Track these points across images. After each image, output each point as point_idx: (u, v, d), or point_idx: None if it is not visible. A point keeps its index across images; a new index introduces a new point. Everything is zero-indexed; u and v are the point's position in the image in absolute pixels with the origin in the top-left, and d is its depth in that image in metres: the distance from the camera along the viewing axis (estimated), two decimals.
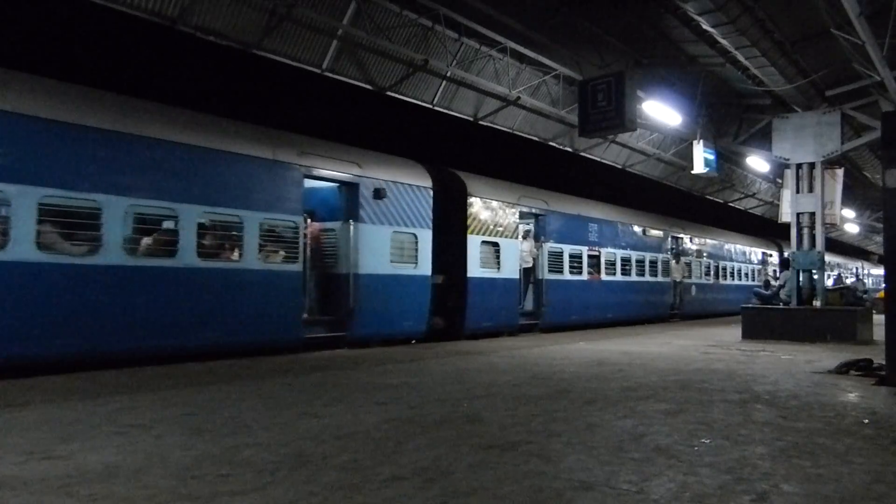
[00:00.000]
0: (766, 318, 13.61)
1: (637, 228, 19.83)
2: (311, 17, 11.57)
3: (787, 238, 30.05)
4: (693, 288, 23.01)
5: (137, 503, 3.15)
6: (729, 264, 26.50)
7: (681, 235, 22.47)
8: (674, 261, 21.49)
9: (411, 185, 12.21)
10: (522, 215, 15.20)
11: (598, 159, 20.76)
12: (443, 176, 13.39)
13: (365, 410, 5.43)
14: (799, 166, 14.04)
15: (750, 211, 31.72)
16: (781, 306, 14.02)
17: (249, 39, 11.48)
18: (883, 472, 3.74)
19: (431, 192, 12.60)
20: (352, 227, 11.00)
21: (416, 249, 12.18)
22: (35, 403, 5.69)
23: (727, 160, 21.11)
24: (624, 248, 18.87)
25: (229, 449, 4.10)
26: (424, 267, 12.31)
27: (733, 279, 26.76)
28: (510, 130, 17.29)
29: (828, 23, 10.51)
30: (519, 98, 15.34)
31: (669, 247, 21.41)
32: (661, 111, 14.48)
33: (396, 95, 14.25)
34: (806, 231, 13.93)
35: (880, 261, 38.82)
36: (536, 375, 7.70)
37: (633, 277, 19.21)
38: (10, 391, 6.26)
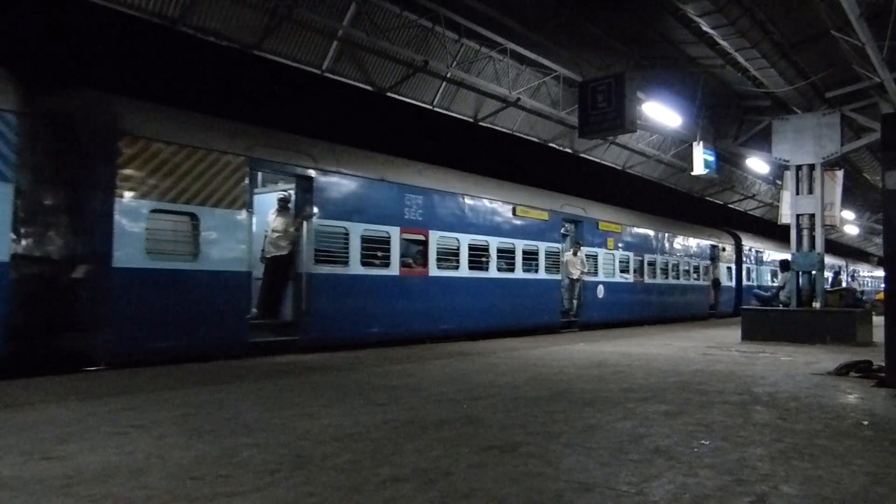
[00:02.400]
0: (766, 319, 13.62)
1: (500, 205, 14.44)
2: (311, 18, 11.59)
3: (745, 228, 28.16)
4: (600, 289, 17.47)
5: None
6: (661, 258, 20.93)
7: (580, 217, 17.09)
8: (570, 252, 16.47)
9: None
10: (269, 178, 11.28)
11: (598, 160, 20.77)
12: (56, 96, 8.93)
13: (364, 411, 5.43)
14: (799, 168, 14.05)
15: (707, 198, 27.88)
16: (781, 308, 14.02)
17: (250, 40, 11.50)
18: (883, 474, 3.74)
19: (15, 119, 7.67)
20: None
21: None
22: (34, 403, 5.68)
23: (727, 162, 21.12)
24: (476, 231, 13.58)
25: (228, 450, 4.10)
26: None
27: (667, 277, 21.26)
28: (510, 132, 17.31)
29: (828, 24, 10.51)
30: (519, 99, 15.35)
31: (561, 233, 16.47)
32: (661, 112, 14.49)
33: (396, 96, 14.27)
34: (805, 232, 13.93)
35: (880, 262, 38.85)
36: (536, 376, 7.70)
37: (493, 273, 14.01)
38: (10, 391, 6.26)
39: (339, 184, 11.12)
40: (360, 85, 13.52)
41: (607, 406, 5.75)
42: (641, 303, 19.80)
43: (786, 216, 14.84)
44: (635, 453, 4.09)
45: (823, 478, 3.63)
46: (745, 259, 26.72)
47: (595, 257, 17.57)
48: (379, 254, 11.71)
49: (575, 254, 16.59)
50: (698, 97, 14.73)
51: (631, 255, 19.31)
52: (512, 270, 14.63)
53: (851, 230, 33.59)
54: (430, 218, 12.64)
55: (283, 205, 10.67)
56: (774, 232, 30.81)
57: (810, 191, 13.90)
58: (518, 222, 14.92)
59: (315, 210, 10.58)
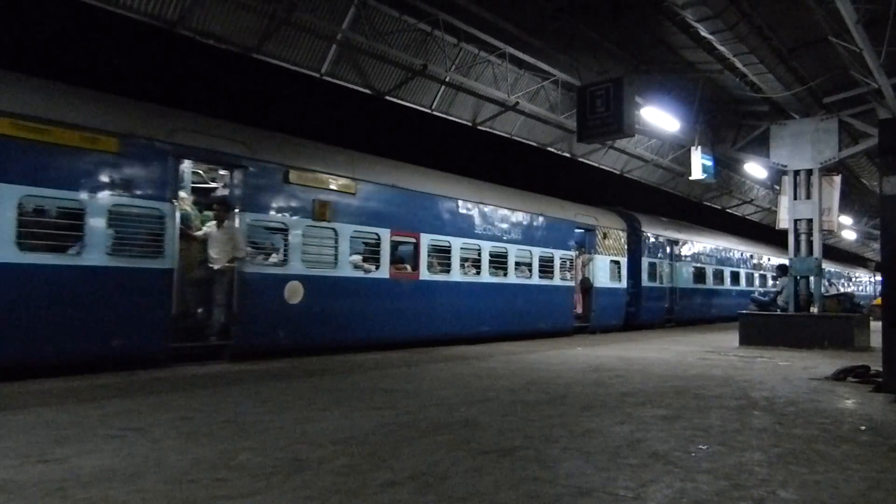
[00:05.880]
0: (764, 324, 13.63)
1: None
2: (310, 22, 11.60)
3: (646, 211, 21.64)
4: (293, 288, 10.08)
5: None
6: (460, 242, 13.25)
7: (238, 159, 9.57)
8: (216, 223, 9.54)
9: None
10: None
11: (597, 165, 20.79)
12: None
13: (361, 415, 5.42)
14: (796, 173, 14.08)
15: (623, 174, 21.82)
16: (779, 312, 14.04)
17: (249, 43, 11.51)
18: (880, 479, 3.74)
19: None
20: None
21: None
22: (31, 406, 5.67)
23: (725, 166, 21.14)
24: None
25: (225, 453, 4.09)
26: None
27: (479, 272, 13.72)
28: (509, 135, 17.33)
29: (825, 30, 10.55)
30: (517, 103, 15.38)
31: (184, 184, 9.63)
32: (660, 117, 14.52)
33: (395, 100, 14.30)
34: (803, 238, 13.96)
35: (877, 268, 38.89)
36: (534, 381, 7.69)
37: None
38: (6, 393, 6.24)
39: None
40: (359, 88, 13.54)
41: (605, 410, 5.74)
42: (410, 312, 12.17)
43: (784, 221, 14.88)
44: (633, 458, 4.09)
45: (821, 483, 3.63)
46: (647, 252, 19.90)
47: (282, 233, 10.19)
48: None
49: (221, 223, 9.46)
50: (696, 102, 14.76)
51: (384, 233, 11.60)
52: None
53: (849, 235, 33.64)
54: None
55: None
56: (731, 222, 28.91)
57: (808, 196, 13.92)
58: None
59: None
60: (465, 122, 16.01)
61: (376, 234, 11.56)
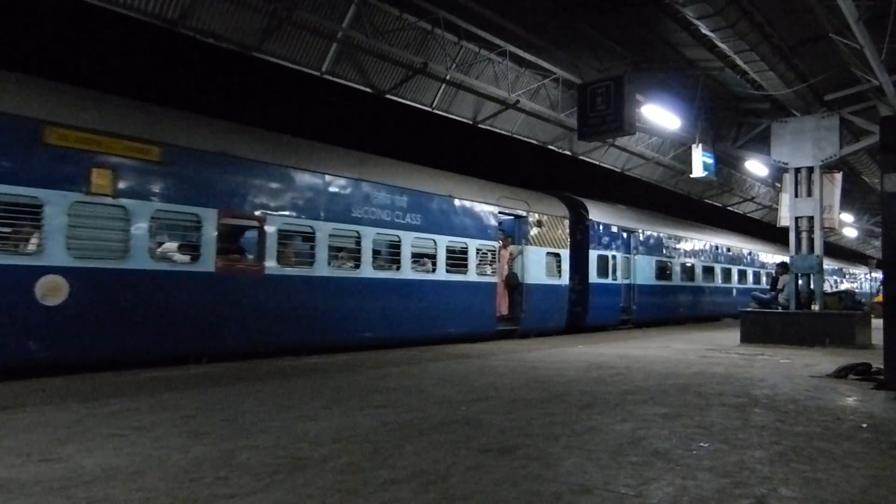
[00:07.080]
0: (765, 321, 13.62)
1: None
2: (310, 20, 11.61)
3: (591, 195, 17.89)
4: (59, 285, 7.61)
5: None
6: (332, 228, 10.65)
7: None
8: None
9: None
10: None
11: (597, 163, 20.78)
12: None
13: (363, 413, 5.43)
14: (797, 170, 14.07)
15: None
16: (780, 310, 14.03)
17: (249, 42, 11.51)
18: (881, 476, 3.74)
19: None
20: None
21: None
22: (32, 405, 5.68)
23: (726, 164, 21.14)
24: None
25: (227, 452, 4.09)
26: None
27: (358, 265, 11.06)
28: (509, 134, 17.32)
29: (826, 27, 10.54)
30: (518, 101, 15.38)
31: None
32: (660, 115, 14.51)
33: (396, 98, 14.29)
34: (804, 235, 13.95)
35: (878, 265, 38.85)
36: (535, 379, 7.70)
37: None
38: (8, 393, 6.25)
39: None
40: (359, 87, 13.54)
41: (606, 408, 5.75)
42: (248, 314, 9.48)
43: (785, 219, 14.88)
44: (634, 455, 4.09)
45: (822, 480, 3.63)
46: (597, 243, 17.16)
47: (32, 210, 7.56)
48: None
49: None
50: (697, 100, 14.75)
51: (208, 214, 9.03)
52: None
53: (850, 233, 33.61)
54: None
55: None
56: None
57: (809, 193, 13.92)
58: None
59: None
60: (465, 121, 16.02)
61: (195, 215, 8.95)
